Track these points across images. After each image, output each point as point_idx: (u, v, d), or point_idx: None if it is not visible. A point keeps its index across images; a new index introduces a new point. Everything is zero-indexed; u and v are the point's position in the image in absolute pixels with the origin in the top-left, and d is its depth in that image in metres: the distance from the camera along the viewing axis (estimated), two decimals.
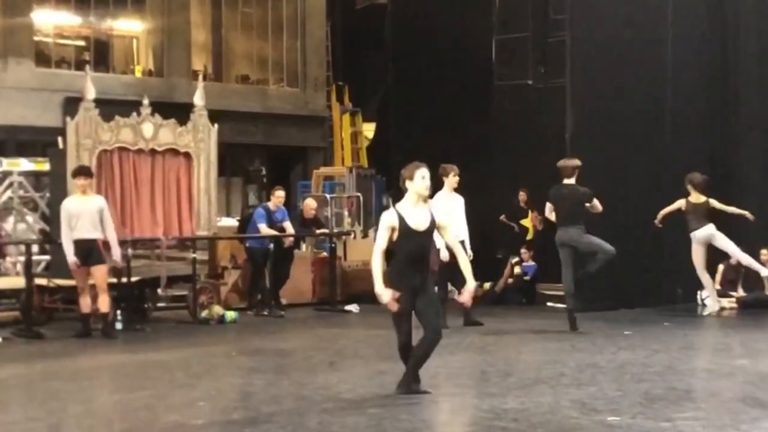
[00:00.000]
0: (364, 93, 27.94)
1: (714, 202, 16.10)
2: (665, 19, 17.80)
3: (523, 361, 11.59)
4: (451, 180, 14.35)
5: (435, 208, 9.27)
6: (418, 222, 8.97)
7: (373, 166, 25.50)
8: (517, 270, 18.52)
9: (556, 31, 18.53)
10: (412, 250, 8.98)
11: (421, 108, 19.63)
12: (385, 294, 8.91)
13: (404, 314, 9.08)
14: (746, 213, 16.19)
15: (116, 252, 14.07)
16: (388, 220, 8.98)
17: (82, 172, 14.11)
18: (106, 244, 13.84)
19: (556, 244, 14.27)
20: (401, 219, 8.92)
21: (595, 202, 14.17)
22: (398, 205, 9.08)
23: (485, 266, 17.35)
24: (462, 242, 14.54)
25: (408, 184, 9.04)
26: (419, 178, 9.00)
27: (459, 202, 14.68)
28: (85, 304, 13.87)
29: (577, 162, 14.40)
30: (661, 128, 17.71)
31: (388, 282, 9.05)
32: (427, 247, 9.19)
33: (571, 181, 14.32)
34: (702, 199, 16.14)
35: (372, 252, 9.10)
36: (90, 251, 13.73)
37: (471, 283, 9.31)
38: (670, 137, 17.80)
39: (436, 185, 10.37)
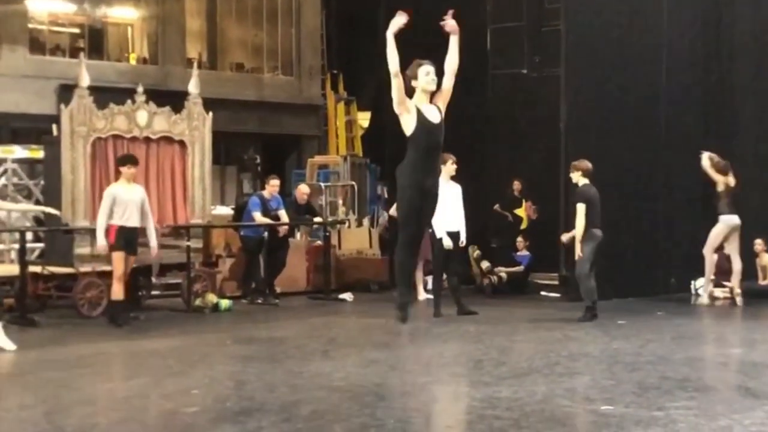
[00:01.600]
0: (359, 82, 27.86)
1: None
2: (660, 8, 17.80)
3: (517, 350, 11.61)
4: (449, 168, 14.36)
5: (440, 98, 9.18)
6: (433, 115, 8.88)
7: (367, 154, 25.45)
8: (485, 265, 18.43)
9: (551, 20, 18.55)
10: (429, 143, 8.82)
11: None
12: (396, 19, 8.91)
13: (413, 212, 8.85)
14: None
15: (155, 242, 14.20)
16: (411, 104, 8.87)
17: (131, 160, 14.23)
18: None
19: (595, 244, 14.21)
20: (419, 110, 8.80)
21: None
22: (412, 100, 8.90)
23: (480, 255, 17.39)
24: (458, 232, 14.66)
25: (413, 83, 8.96)
26: (423, 74, 8.96)
27: (456, 190, 14.71)
28: (119, 290, 13.82)
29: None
30: (656, 117, 17.71)
31: (399, 178, 8.90)
32: (440, 142, 8.98)
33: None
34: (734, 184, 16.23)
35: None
36: (134, 240, 13.88)
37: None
38: (665, 126, 17.81)
39: None
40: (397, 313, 9.26)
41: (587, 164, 14.42)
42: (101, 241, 13.76)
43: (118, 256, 13.75)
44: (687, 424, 7.50)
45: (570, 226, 15.74)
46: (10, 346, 11.65)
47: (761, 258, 17.50)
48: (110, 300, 14.06)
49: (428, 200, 8.93)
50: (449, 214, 14.10)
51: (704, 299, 16.38)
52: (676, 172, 17.82)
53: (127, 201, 13.78)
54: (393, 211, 16.49)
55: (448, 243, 14.42)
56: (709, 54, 18.79)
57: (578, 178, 14.43)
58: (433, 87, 8.99)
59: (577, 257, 14.28)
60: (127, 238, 13.74)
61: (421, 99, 8.94)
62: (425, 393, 8.80)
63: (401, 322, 9.30)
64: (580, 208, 14.14)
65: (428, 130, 8.81)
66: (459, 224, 14.69)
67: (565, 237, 15.05)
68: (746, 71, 18.75)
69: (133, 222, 13.83)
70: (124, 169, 13.99)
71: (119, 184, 14.02)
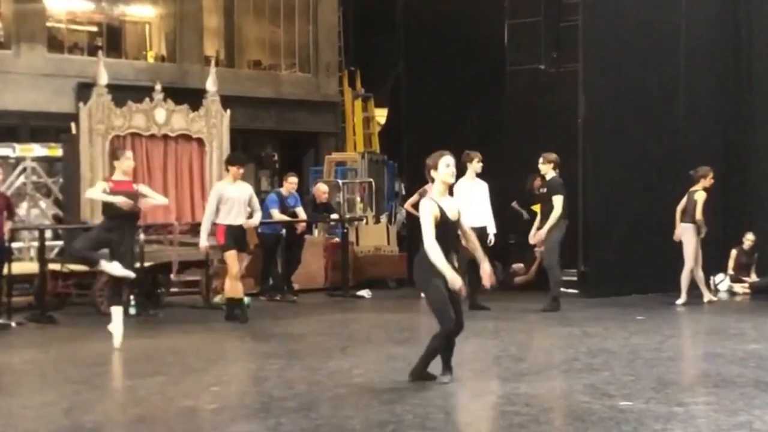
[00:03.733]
0: (376, 78, 27.90)
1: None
2: (679, 4, 17.74)
3: (536, 347, 11.60)
4: (475, 166, 14.56)
5: (458, 193, 9.28)
6: (452, 211, 9.00)
7: (385, 151, 25.47)
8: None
9: (569, 15, 18.47)
10: (449, 240, 8.96)
11: (433, 93, 19.59)
12: (458, 279, 8.81)
13: (446, 307, 8.92)
14: None
15: (257, 220, 14.24)
16: (431, 209, 8.85)
17: (241, 160, 14.25)
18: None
19: (561, 234, 14.50)
20: (441, 209, 8.90)
21: None
22: (431, 195, 9.01)
23: (498, 251, 17.33)
24: (485, 228, 14.74)
25: (433, 173, 9.02)
26: (443, 167, 8.97)
27: (483, 187, 14.88)
28: (235, 288, 13.82)
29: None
30: (674, 113, 17.66)
31: (426, 272, 8.90)
32: (457, 236, 9.20)
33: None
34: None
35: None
36: (243, 237, 13.86)
37: (486, 265, 9.27)
38: (683, 122, 17.77)
39: (459, 171, 10.33)
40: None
41: (556, 157, 14.89)
42: (204, 241, 13.70)
43: (231, 256, 13.65)
44: (707, 419, 7.48)
45: (588, 219, 15.81)
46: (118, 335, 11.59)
47: None
48: (228, 298, 14.00)
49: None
50: (475, 211, 14.15)
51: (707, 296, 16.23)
52: (694, 165, 17.72)
53: (234, 199, 13.65)
54: (409, 205, 16.51)
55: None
56: (728, 48, 18.70)
57: (548, 171, 14.85)
58: (452, 180, 9.12)
59: (545, 244, 14.74)
60: (236, 236, 13.65)
61: (439, 190, 9.03)
62: (444, 389, 8.80)
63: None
64: (559, 200, 14.58)
65: (449, 228, 8.96)
66: (486, 220, 14.77)
67: (534, 239, 15.21)
68: (765, 62, 18.64)
69: (241, 219, 13.71)
70: (233, 170, 13.86)
71: (226, 182, 13.91)
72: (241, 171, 13.96)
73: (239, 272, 13.83)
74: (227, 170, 14.09)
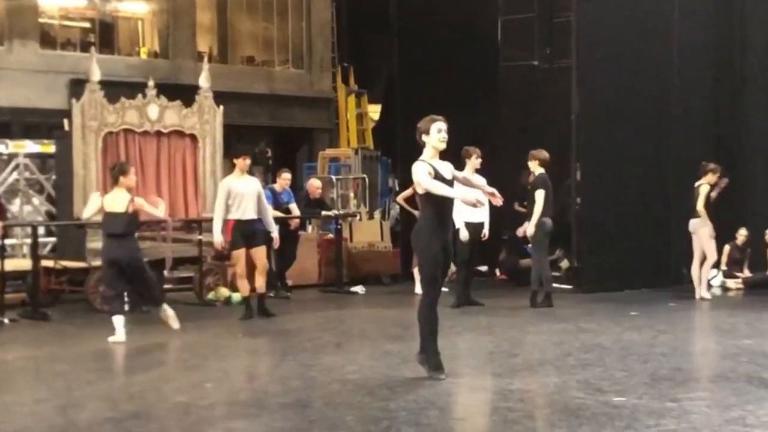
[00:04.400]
0: (370, 74, 27.87)
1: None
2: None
3: (529, 342, 11.61)
4: (474, 162, 14.55)
5: (456, 187, 9.17)
6: (446, 172, 8.95)
7: (378, 147, 25.45)
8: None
9: (562, 11, 18.51)
10: (444, 202, 8.87)
11: (426, 89, 19.60)
12: (469, 193, 8.91)
13: (439, 270, 8.96)
14: None
15: (276, 233, 14.04)
16: (424, 166, 8.82)
17: (246, 150, 14.09)
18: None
19: (544, 232, 14.62)
20: (434, 168, 8.84)
21: None
22: (422, 159, 8.94)
23: (490, 246, 17.35)
24: (482, 224, 14.76)
25: (424, 138, 8.96)
26: (435, 131, 8.91)
27: (481, 182, 14.81)
28: (243, 286, 13.74)
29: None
30: (667, 108, 17.67)
31: (418, 239, 8.96)
32: (453, 200, 9.04)
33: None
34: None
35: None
36: (254, 232, 13.59)
37: (491, 189, 9.37)
38: (676, 118, 17.78)
39: (458, 166, 10.30)
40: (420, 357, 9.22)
41: (545, 154, 14.84)
42: (218, 237, 13.46)
43: (237, 255, 13.55)
44: (700, 415, 7.49)
45: (582, 215, 15.86)
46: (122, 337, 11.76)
47: None
48: (258, 294, 13.84)
49: (447, 255, 9.08)
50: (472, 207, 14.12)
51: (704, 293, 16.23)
52: (687, 162, 17.76)
53: (243, 193, 13.45)
54: (401, 198, 16.54)
55: (464, 234, 14.49)
56: (721, 43, 18.71)
57: (535, 168, 14.83)
58: (443, 146, 9.00)
59: (532, 240, 14.83)
60: (245, 232, 13.46)
61: (431, 155, 8.97)
62: (438, 385, 8.80)
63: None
64: (540, 194, 14.59)
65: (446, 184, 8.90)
66: (483, 216, 14.78)
67: (521, 230, 15.26)
68: (759, 61, 18.66)
69: (250, 214, 13.49)
70: (239, 161, 13.64)
71: (233, 176, 13.67)
72: (248, 162, 13.76)
73: (243, 270, 13.74)
74: (233, 164, 13.90)
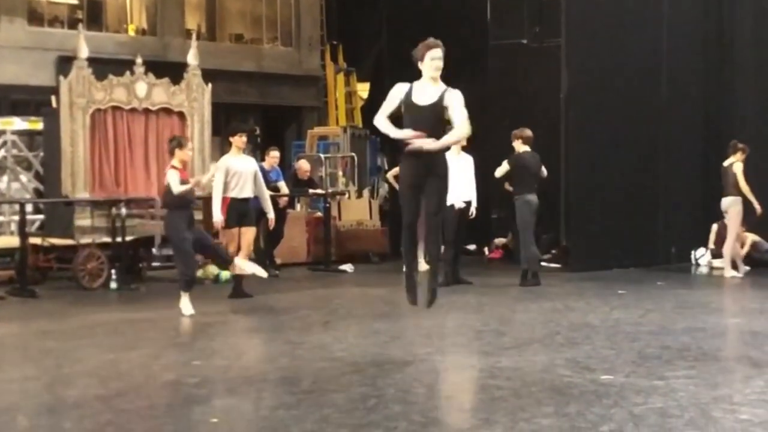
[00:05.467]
0: (359, 52, 27.77)
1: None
2: None
3: (517, 321, 11.62)
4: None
5: (452, 93, 8.97)
6: (423, 97, 8.70)
7: (367, 126, 25.36)
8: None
9: None
10: (412, 125, 8.63)
11: (415, 68, 19.52)
12: (408, 132, 8.60)
13: (412, 188, 8.80)
14: None
15: (272, 213, 13.93)
16: (396, 90, 8.76)
17: (241, 128, 13.90)
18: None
19: (530, 209, 14.57)
20: (408, 92, 8.71)
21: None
22: (416, 82, 8.82)
23: (480, 226, 17.37)
24: (469, 202, 14.74)
25: (419, 65, 8.81)
26: (428, 59, 8.75)
27: (468, 161, 14.88)
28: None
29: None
30: (656, 88, 17.68)
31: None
32: (430, 124, 8.67)
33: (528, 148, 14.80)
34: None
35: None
36: (246, 211, 13.45)
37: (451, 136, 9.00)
38: (665, 98, 17.80)
39: None
40: (406, 296, 9.15)
41: (527, 132, 14.83)
42: (217, 216, 13.28)
43: (229, 234, 13.39)
44: (687, 393, 7.52)
45: (570, 194, 15.92)
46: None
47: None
48: (234, 275, 13.81)
49: (430, 179, 8.75)
50: (460, 185, 14.11)
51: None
52: (676, 142, 17.81)
53: (240, 171, 13.33)
54: (391, 175, 16.54)
55: (460, 204, 14.46)
56: (710, 22, 18.71)
57: (519, 146, 14.83)
58: (437, 74, 8.78)
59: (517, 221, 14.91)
60: (241, 211, 13.32)
61: (424, 80, 8.79)
62: (426, 363, 8.82)
63: (411, 304, 9.16)
64: (503, 167, 14.82)
65: (413, 113, 8.69)
66: (470, 194, 14.77)
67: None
68: (747, 40, 18.66)
69: (247, 193, 13.38)
70: (235, 139, 13.48)
71: (231, 155, 13.49)
72: (244, 139, 13.59)
73: (235, 249, 13.69)
74: (229, 143, 13.72)
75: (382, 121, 8.74)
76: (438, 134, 8.67)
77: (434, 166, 8.72)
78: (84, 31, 16.78)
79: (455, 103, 8.73)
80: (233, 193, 13.32)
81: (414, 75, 8.91)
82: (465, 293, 13.86)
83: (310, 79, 28.90)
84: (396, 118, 8.78)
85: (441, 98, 8.70)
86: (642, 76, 17.43)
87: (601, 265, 16.35)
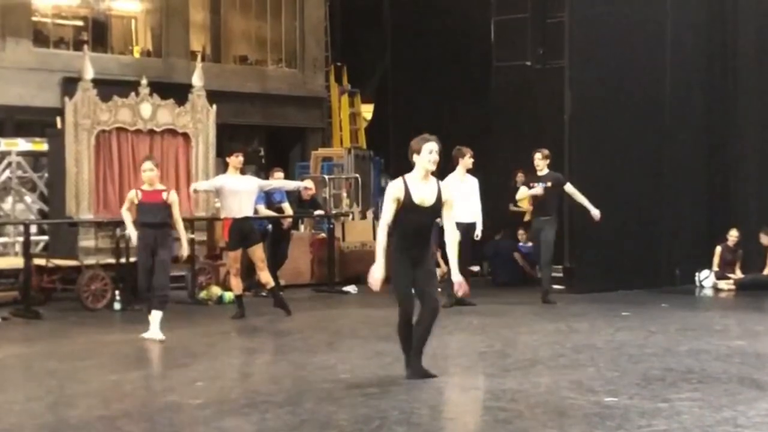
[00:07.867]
0: (363, 74, 27.85)
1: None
2: (664, 1, 17.76)
3: (521, 342, 11.61)
4: (467, 162, 14.64)
5: (446, 188, 9.13)
6: (423, 197, 8.83)
7: (371, 147, 25.43)
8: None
9: (555, 11, 18.51)
10: (413, 225, 8.83)
11: (419, 89, 19.60)
12: (378, 270, 8.78)
13: (406, 290, 8.96)
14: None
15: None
16: (394, 191, 8.82)
17: (239, 149, 14.03)
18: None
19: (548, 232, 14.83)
20: (407, 192, 8.80)
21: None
22: (407, 176, 8.88)
23: (482, 247, 17.38)
24: (474, 224, 14.77)
25: (415, 158, 8.88)
26: (426, 152, 8.83)
27: (473, 183, 14.91)
28: (236, 284, 13.74)
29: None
30: (659, 109, 17.70)
31: (390, 254, 8.95)
32: (428, 223, 9.02)
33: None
34: None
35: (374, 229, 9.01)
36: (248, 231, 13.56)
37: (456, 276, 9.15)
38: (668, 119, 17.81)
39: (447, 166, 10.28)
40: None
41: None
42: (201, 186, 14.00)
43: (232, 256, 13.57)
44: (691, 415, 7.50)
45: (575, 216, 15.97)
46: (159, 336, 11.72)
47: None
48: (269, 288, 13.98)
49: (419, 270, 9.04)
50: (464, 206, 14.13)
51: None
52: (680, 162, 17.81)
53: (237, 190, 13.43)
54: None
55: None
56: (714, 44, 18.73)
57: (546, 166, 15.29)
58: (433, 167, 8.90)
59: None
60: (242, 231, 13.43)
61: (420, 175, 8.88)
62: (429, 385, 8.81)
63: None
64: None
65: (414, 213, 8.85)
66: (475, 216, 14.79)
67: None
68: (751, 63, 18.69)
69: (246, 212, 13.50)
70: (231, 159, 13.63)
71: (228, 175, 13.67)
72: (240, 159, 13.69)
73: (237, 269, 13.72)
74: (227, 164, 13.88)
75: (383, 231, 8.99)
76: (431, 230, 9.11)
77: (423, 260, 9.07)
78: (89, 53, 16.84)
79: (451, 201, 9.03)
80: (233, 214, 13.37)
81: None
82: (468, 314, 13.84)
83: (315, 100, 28.97)
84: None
85: (439, 197, 8.91)
86: (645, 97, 17.45)
87: (605, 287, 16.33)
